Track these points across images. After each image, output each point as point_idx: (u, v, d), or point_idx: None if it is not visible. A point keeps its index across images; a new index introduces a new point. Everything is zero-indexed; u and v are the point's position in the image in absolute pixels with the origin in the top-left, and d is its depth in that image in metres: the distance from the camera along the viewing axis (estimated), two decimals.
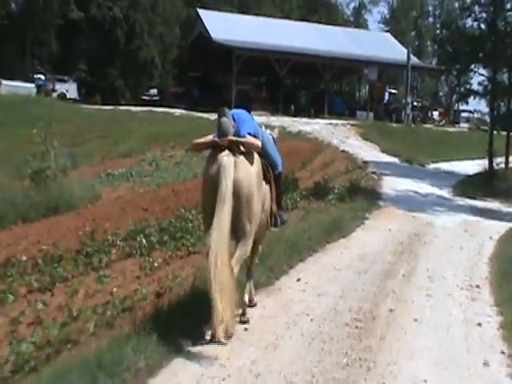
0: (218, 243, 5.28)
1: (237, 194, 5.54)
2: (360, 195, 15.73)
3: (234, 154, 5.67)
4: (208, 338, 5.56)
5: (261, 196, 5.96)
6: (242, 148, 5.78)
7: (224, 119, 5.81)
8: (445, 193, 19.91)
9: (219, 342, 5.38)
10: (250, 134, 5.95)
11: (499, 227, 14.34)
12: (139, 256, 9.67)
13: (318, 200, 14.81)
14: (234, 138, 5.76)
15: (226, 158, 5.60)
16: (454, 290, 8.27)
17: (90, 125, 31.17)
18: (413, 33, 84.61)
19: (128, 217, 12.90)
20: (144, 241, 10.29)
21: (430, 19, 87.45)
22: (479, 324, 6.79)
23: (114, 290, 7.48)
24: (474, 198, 19.23)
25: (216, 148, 5.79)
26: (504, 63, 23.90)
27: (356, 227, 12.35)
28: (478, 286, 8.53)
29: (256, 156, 5.98)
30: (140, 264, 9.07)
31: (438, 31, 57.39)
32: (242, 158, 5.72)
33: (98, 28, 53.65)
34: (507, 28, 24.03)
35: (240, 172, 5.61)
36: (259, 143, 5.97)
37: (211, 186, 5.56)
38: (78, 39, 53.59)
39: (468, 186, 21.26)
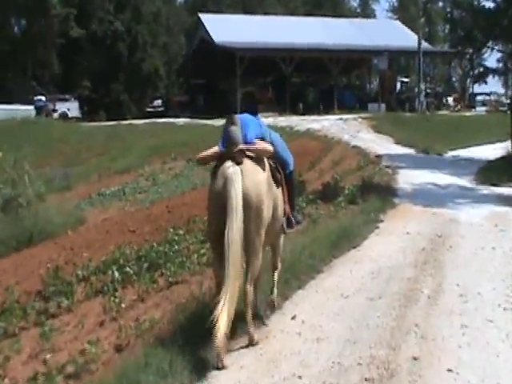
0: (232, 262, 4.99)
1: (246, 204, 5.16)
2: (373, 194, 13.82)
3: (240, 163, 5.28)
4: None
5: (271, 202, 5.56)
6: (251, 154, 5.44)
7: (233, 128, 5.47)
8: (466, 182, 17.79)
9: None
10: (257, 137, 5.66)
11: None
12: (110, 293, 7.98)
13: (326, 203, 13.03)
14: (245, 147, 5.41)
15: (231, 169, 5.23)
16: (494, 312, 6.29)
17: (90, 143, 29.55)
18: (422, 19, 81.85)
19: (112, 241, 11.24)
20: (117, 274, 8.57)
21: (440, 3, 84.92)
22: None
23: (48, 356, 5.73)
24: (499, 185, 17.01)
25: (222, 159, 5.40)
26: None
27: (369, 233, 10.45)
28: None
29: (263, 160, 5.62)
30: (104, 306, 7.35)
31: (448, 14, 54.80)
32: (248, 166, 5.33)
33: (100, 43, 52.95)
34: None
35: (248, 182, 5.22)
36: (271, 148, 5.68)
37: (218, 201, 5.21)
38: (80, 57, 52.40)
39: (491, 172, 19.02)
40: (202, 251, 9.22)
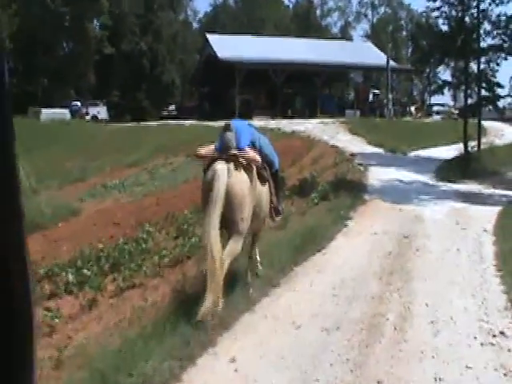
0: (210, 239, 4.53)
1: (230, 196, 4.80)
2: (345, 190, 11.68)
3: (229, 163, 4.94)
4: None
5: (254, 198, 5.12)
6: (241, 160, 5.02)
7: (228, 134, 5.15)
8: (427, 179, 15.78)
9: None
10: (248, 144, 5.25)
11: (487, 214, 10.30)
12: (55, 299, 5.89)
13: (301, 199, 10.89)
14: (237, 153, 5.04)
15: (220, 166, 4.92)
16: (471, 350, 4.09)
17: (111, 140, 27.21)
18: (390, 44, 79.61)
19: (95, 235, 9.11)
20: (71, 277, 6.42)
21: (404, 32, 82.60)
22: None
23: None
24: (455, 182, 15.21)
25: (215, 159, 5.04)
26: (473, 56, 20.19)
27: (337, 233, 8.27)
28: (502, 334, 4.41)
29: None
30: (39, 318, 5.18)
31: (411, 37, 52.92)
32: (234, 166, 4.93)
33: (127, 59, 51.51)
34: (474, 24, 20.21)
35: (232, 178, 4.87)
36: (259, 159, 5.22)
37: (207, 190, 4.85)
38: (111, 70, 50.60)
39: (448, 170, 17.17)
40: (164, 252, 7.08)
